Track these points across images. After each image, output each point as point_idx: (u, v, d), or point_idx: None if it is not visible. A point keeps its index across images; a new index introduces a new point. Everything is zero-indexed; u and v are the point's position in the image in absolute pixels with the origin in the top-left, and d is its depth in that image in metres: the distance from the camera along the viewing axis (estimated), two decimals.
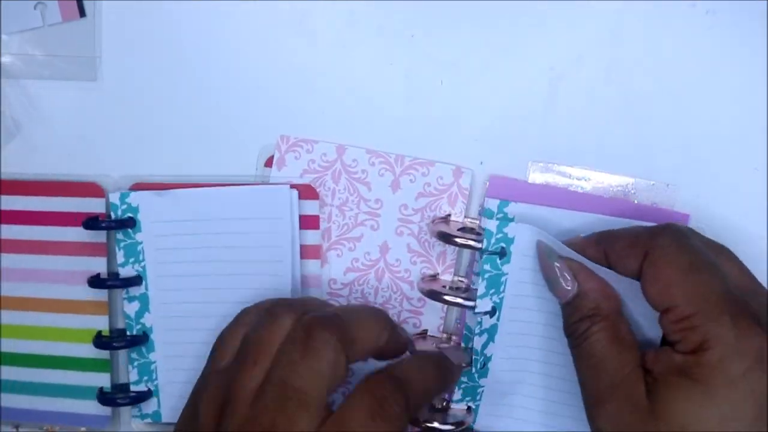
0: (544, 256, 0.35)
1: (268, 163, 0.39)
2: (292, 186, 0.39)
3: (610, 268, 0.33)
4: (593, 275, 0.33)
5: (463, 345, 0.39)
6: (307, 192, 0.39)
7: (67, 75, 0.39)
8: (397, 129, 0.39)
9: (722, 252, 0.33)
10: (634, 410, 0.30)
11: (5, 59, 0.39)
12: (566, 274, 0.34)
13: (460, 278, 0.39)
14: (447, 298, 0.37)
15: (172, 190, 0.39)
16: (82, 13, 0.39)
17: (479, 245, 0.36)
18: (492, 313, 0.37)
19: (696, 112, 0.38)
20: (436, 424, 0.37)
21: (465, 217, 0.38)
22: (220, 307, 0.38)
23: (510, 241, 0.36)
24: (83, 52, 0.39)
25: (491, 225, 0.36)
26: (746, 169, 0.38)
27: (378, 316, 0.34)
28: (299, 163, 0.39)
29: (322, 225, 0.39)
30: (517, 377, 0.38)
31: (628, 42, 0.38)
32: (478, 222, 0.38)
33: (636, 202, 0.38)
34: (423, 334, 0.40)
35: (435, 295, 0.37)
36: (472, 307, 0.37)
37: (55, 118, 0.40)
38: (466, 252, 0.39)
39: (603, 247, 0.33)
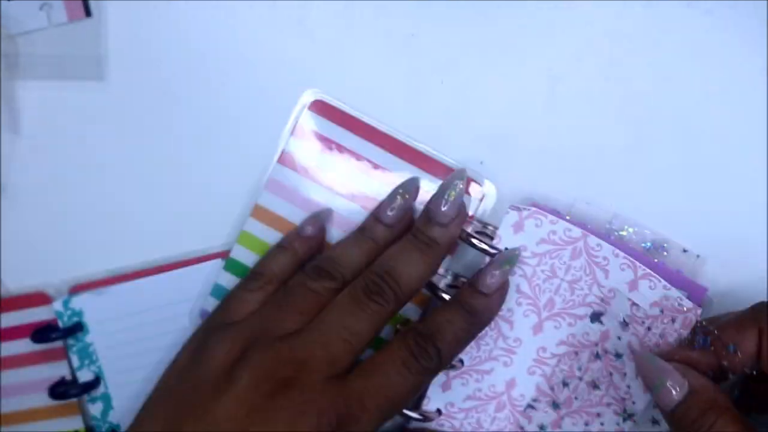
0: (646, 362, 0.34)
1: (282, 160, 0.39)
2: None
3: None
4: (694, 372, 0.33)
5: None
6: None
7: (73, 75, 0.40)
8: (397, 128, 0.39)
9: None
10: None
11: (11, 60, 0.39)
12: (674, 384, 0.33)
13: None
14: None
15: (109, 288, 0.40)
16: (87, 12, 0.39)
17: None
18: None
19: (695, 112, 0.38)
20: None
21: None
22: None
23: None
24: (89, 51, 0.39)
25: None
26: (747, 170, 0.38)
27: None
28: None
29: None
30: None
31: (627, 42, 0.38)
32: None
33: (656, 260, 0.37)
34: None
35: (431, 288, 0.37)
36: None
37: (61, 118, 0.40)
38: None
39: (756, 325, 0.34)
